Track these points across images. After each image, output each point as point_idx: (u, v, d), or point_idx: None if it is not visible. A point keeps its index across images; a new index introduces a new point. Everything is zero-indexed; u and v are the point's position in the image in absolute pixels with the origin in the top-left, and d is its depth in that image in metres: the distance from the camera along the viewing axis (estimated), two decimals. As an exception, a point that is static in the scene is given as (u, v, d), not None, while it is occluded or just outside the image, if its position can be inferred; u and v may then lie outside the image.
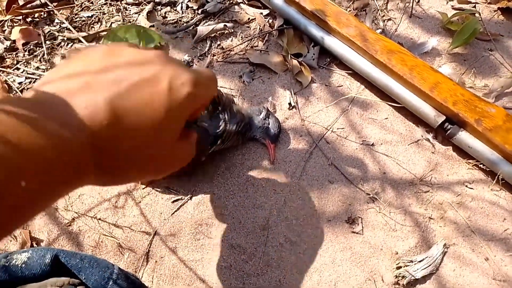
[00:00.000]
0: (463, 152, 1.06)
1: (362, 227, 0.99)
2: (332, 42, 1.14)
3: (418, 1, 1.33)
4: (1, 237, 0.32)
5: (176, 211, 0.97)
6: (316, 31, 1.15)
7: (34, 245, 0.89)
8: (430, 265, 0.91)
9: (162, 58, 0.42)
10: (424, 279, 0.92)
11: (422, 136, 1.11)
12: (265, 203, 0.99)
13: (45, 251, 0.71)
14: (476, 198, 1.02)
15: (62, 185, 0.35)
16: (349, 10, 1.29)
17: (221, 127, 0.91)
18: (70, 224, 0.93)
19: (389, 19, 1.29)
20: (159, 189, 0.99)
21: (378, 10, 1.29)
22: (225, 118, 0.93)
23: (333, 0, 1.29)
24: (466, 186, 1.03)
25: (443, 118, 1.04)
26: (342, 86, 1.17)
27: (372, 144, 1.09)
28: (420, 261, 0.92)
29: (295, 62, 1.17)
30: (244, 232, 0.96)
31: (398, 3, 1.33)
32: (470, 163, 1.05)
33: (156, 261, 0.91)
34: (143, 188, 0.98)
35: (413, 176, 1.06)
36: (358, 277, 0.93)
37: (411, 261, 0.92)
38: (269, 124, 1.03)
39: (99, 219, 0.94)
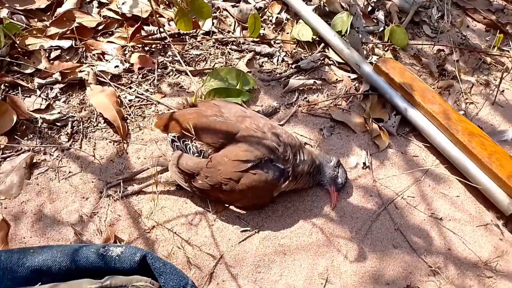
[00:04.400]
0: (534, 246, 1.05)
1: (420, 298, 0.99)
2: (414, 115, 1.20)
3: (503, 91, 1.37)
4: None
5: (243, 240, 1.03)
6: (400, 102, 1.22)
7: (117, 242, 0.99)
8: None
9: None
10: None
11: (491, 221, 1.11)
12: (326, 252, 1.03)
13: (136, 250, 0.80)
14: (544, 296, 0.99)
15: None
16: (434, 88, 1.36)
17: (295, 167, 1.01)
18: (149, 231, 1.02)
19: (471, 103, 1.34)
20: (231, 217, 1.07)
21: (462, 92, 1.35)
22: (297, 159, 1.03)
23: (419, 75, 1.37)
24: (535, 281, 1.01)
25: (518, 207, 1.04)
26: (417, 156, 1.21)
27: (441, 219, 1.11)
28: None
29: (375, 125, 1.24)
30: (303, 275, 1.00)
31: (482, 89, 1.38)
32: (541, 258, 1.03)
33: (218, 283, 0.97)
34: (219, 212, 1.06)
35: (478, 258, 1.05)
36: None
37: None
38: (338, 173, 1.10)
39: (175, 232, 1.02)
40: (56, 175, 1.08)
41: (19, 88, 1.22)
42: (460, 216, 1.11)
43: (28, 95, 1.22)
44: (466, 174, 1.13)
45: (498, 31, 1.53)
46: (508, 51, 1.47)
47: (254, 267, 1.00)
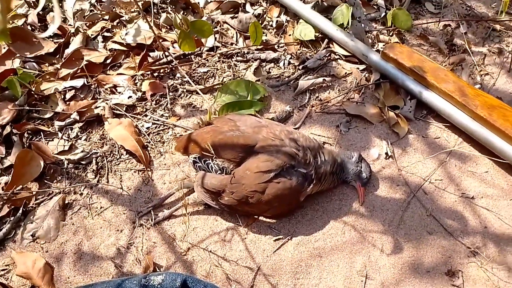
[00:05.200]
0: None
1: (463, 280, 0.98)
2: (430, 96, 1.18)
3: (517, 56, 1.33)
4: None
5: (277, 249, 1.04)
6: (413, 86, 1.21)
7: (156, 269, 1.02)
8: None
9: None
10: None
11: (526, 192, 1.09)
12: (362, 249, 1.03)
13: (176, 276, 0.82)
14: None
15: None
16: (445, 65, 1.34)
17: (317, 169, 1.02)
18: (185, 254, 1.04)
19: (487, 74, 1.31)
20: (262, 228, 1.08)
21: (475, 65, 1.32)
22: (318, 161, 1.03)
23: (428, 55, 1.35)
24: None
25: (552, 174, 1.01)
26: (439, 138, 1.20)
27: (472, 197, 1.09)
28: (530, 323, 0.88)
29: (391, 114, 1.23)
30: (341, 275, 1.00)
31: (495, 58, 1.34)
32: None
33: (259, 295, 0.98)
34: (250, 224, 1.08)
35: (518, 233, 1.03)
36: (460, 333, 0.91)
37: (520, 322, 0.89)
38: (361, 167, 1.10)
39: (210, 251, 1.04)
40: (89, 212, 1.12)
41: (41, 133, 1.27)
42: (491, 192, 1.09)
43: (50, 139, 1.27)
44: (491, 149, 1.11)
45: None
46: (517, 14, 1.43)
47: (292, 274, 1.01)
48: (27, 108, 1.30)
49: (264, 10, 1.53)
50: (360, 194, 1.10)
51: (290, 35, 1.46)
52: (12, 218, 1.09)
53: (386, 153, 1.17)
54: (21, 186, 1.14)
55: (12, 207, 1.11)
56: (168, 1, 1.58)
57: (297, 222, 1.08)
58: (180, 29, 1.19)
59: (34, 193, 1.15)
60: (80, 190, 1.16)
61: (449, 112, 1.16)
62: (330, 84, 1.33)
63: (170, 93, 1.35)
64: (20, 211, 1.10)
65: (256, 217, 1.09)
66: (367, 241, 1.04)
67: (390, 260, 1.01)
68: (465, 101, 1.12)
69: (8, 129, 1.27)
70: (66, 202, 1.14)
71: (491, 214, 1.06)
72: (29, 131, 1.27)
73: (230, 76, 1.38)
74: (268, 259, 1.03)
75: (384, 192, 1.12)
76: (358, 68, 1.35)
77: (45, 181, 1.17)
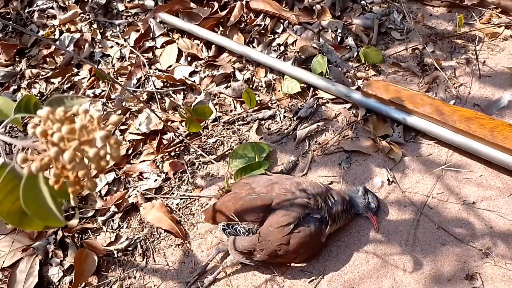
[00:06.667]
0: None
1: (482, 281, 1.09)
2: (413, 120, 1.33)
3: (484, 62, 1.47)
4: None
5: (313, 289, 1.18)
6: (397, 114, 1.36)
7: (214, 331, 1.16)
8: (558, 311, 0.97)
9: None
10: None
11: (520, 186, 1.20)
12: (387, 272, 1.16)
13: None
14: None
15: None
16: (421, 85, 1.49)
17: (329, 211, 1.16)
18: (235, 311, 1.19)
19: (461, 85, 1.45)
20: (296, 272, 1.22)
21: (447, 79, 1.46)
22: (329, 203, 1.18)
23: (404, 80, 1.50)
24: None
25: (535, 168, 1.13)
26: (431, 154, 1.33)
27: (473, 202, 1.21)
28: (547, 308, 0.98)
29: (384, 142, 1.37)
30: (374, 300, 1.13)
31: (465, 68, 1.49)
32: None
33: (307, 334, 1.11)
34: (284, 272, 1.22)
35: (521, 225, 1.14)
36: (489, 330, 1.02)
37: (539, 309, 0.99)
38: (369, 199, 1.23)
39: (256, 304, 1.19)
40: (145, 293, 1.28)
41: (89, 231, 1.46)
42: (489, 193, 1.21)
43: (97, 234, 1.45)
44: (479, 155, 1.24)
45: (457, 10, 1.64)
46: (473, 24, 1.57)
47: (331, 308, 1.14)
48: (72, 211, 1.50)
49: (252, 73, 1.71)
50: (374, 223, 1.23)
51: (279, 91, 1.64)
52: (83, 313, 1.27)
53: (388, 180, 1.31)
54: (84, 283, 1.32)
55: (81, 303, 1.29)
56: (168, 85, 1.79)
57: (325, 261, 1.22)
58: (184, 117, 1.38)
59: (95, 286, 1.32)
60: (133, 274, 1.33)
61: (434, 131, 1.30)
62: (324, 127, 1.49)
63: (189, 168, 1.53)
64: (88, 305, 1.28)
65: (288, 264, 1.23)
66: (390, 264, 1.17)
67: (413, 277, 1.13)
68: (443, 119, 1.26)
69: (60, 234, 1.46)
70: (124, 287, 1.31)
71: (494, 214, 1.18)
72: (78, 232, 1.46)
73: (236, 140, 1.55)
74: (307, 299, 1.17)
75: (394, 215, 1.25)
76: (345, 108, 1.51)
77: (102, 272, 1.35)
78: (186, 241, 1.36)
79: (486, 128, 1.20)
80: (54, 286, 1.36)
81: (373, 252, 1.20)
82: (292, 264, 1.23)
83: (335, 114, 1.52)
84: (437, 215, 1.22)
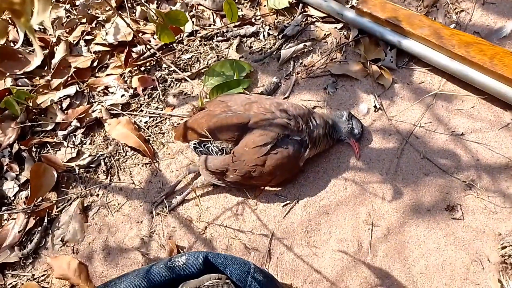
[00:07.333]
0: (559, 130, 1.07)
1: (462, 213, 1.05)
2: (408, 44, 1.22)
3: (490, -13, 1.34)
4: None
5: (287, 214, 1.12)
6: (391, 36, 1.24)
7: (180, 251, 1.10)
8: (536, 242, 0.95)
9: None
10: (532, 256, 0.96)
11: (511, 119, 1.14)
12: (365, 200, 1.10)
13: (198, 254, 0.91)
14: None
15: None
16: (420, 9, 1.36)
17: (310, 134, 1.08)
18: (203, 232, 1.12)
19: (462, 10, 1.33)
20: (270, 197, 1.15)
21: (449, 3, 1.34)
22: (310, 126, 1.09)
23: (402, 2, 1.37)
24: None
25: (532, 99, 1.06)
26: (423, 82, 1.24)
27: (462, 134, 1.14)
28: (525, 240, 0.96)
29: (374, 67, 1.27)
30: (349, 227, 1.08)
31: (469, -7, 1.36)
32: None
33: (277, 258, 1.07)
34: (258, 196, 1.15)
35: (508, 159, 1.09)
36: (464, 259, 1.00)
37: (516, 241, 0.97)
38: (353, 124, 1.15)
39: (225, 226, 1.12)
40: (108, 211, 1.20)
41: (48, 145, 1.34)
42: (479, 125, 1.15)
43: (57, 149, 1.33)
44: (474, 84, 1.15)
45: None
46: None
47: (304, 233, 1.09)
48: (29, 124, 1.36)
49: (236, -15, 1.53)
50: (355, 150, 1.16)
51: (265, 6, 1.48)
52: (39, 228, 1.18)
53: (375, 106, 1.22)
54: (41, 198, 1.22)
55: (37, 218, 1.20)
56: (140, -7, 1.59)
57: (301, 186, 1.15)
58: (155, 23, 1.22)
59: (54, 202, 1.22)
60: (95, 192, 1.23)
61: (429, 56, 1.19)
62: (312, 48, 1.36)
63: (160, 85, 1.39)
64: (45, 220, 1.18)
65: (262, 188, 1.16)
66: (369, 192, 1.11)
67: (392, 206, 1.08)
68: (442, 43, 1.15)
69: (16, 147, 1.33)
70: (85, 205, 1.21)
71: (482, 146, 1.12)
72: (36, 145, 1.34)
73: (214, 57, 1.41)
74: (280, 224, 1.11)
75: (378, 143, 1.17)
76: (336, 28, 1.38)
77: (62, 189, 1.25)
78: (154, 161, 1.26)
79: (487, 54, 1.11)
80: (9, 201, 1.25)
81: (352, 180, 1.13)
82: (266, 188, 1.15)
83: (325, 34, 1.38)
84: (423, 145, 1.15)
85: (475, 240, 1.01)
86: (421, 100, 1.21)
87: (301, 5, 1.43)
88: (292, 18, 1.43)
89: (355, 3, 1.38)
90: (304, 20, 1.41)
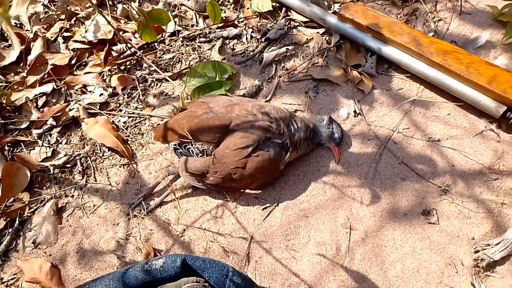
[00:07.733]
0: (529, 138, 1.11)
1: (438, 217, 1.07)
2: (388, 51, 1.24)
3: (467, -2, 1.39)
4: None
5: (266, 217, 1.12)
6: (372, 43, 1.26)
7: (157, 254, 1.08)
8: (507, 247, 0.97)
9: None
10: (503, 260, 0.99)
11: (485, 127, 1.17)
12: (343, 203, 1.11)
13: (176, 257, 0.89)
14: (548, 181, 1.06)
15: None
16: (400, 17, 1.38)
17: (291, 137, 1.08)
18: (182, 235, 1.11)
19: (440, 20, 1.36)
20: (250, 199, 1.15)
21: (427, 12, 1.37)
22: (292, 129, 1.09)
23: (383, 10, 1.39)
24: (537, 170, 1.08)
25: (505, 108, 1.10)
26: (402, 88, 1.26)
27: (438, 140, 1.17)
28: (496, 244, 0.98)
29: (355, 72, 1.28)
30: (328, 230, 1.08)
31: (446, 3, 1.39)
32: (538, 148, 1.10)
33: (256, 261, 1.06)
34: (237, 198, 1.14)
35: (481, 166, 1.12)
36: (438, 263, 1.02)
37: (488, 245, 0.99)
38: (333, 129, 1.16)
39: (204, 229, 1.11)
40: (83, 212, 1.17)
41: (21, 144, 1.29)
42: (455, 132, 1.18)
43: (31, 148, 1.29)
44: (450, 92, 1.18)
45: None
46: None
47: (283, 237, 1.09)
48: (2, 121, 1.31)
49: (219, -13, 1.53)
50: (335, 154, 1.17)
51: (248, 8, 1.48)
52: (10, 230, 1.14)
53: (355, 111, 1.24)
54: (12, 198, 1.18)
55: (8, 219, 1.15)
56: (122, -9, 1.57)
57: (281, 189, 1.15)
58: (137, 21, 1.20)
59: (26, 202, 1.18)
60: (70, 193, 1.20)
61: (408, 63, 1.22)
62: (294, 52, 1.37)
63: (140, 85, 1.37)
64: (17, 221, 1.14)
65: (242, 190, 1.15)
66: (347, 196, 1.12)
67: (370, 210, 1.10)
68: (420, 50, 1.18)
69: (-13, 145, 1.28)
70: (60, 206, 1.18)
71: (457, 153, 1.15)
72: (9, 144, 1.29)
73: (196, 58, 1.40)
74: (259, 227, 1.11)
75: (357, 148, 1.19)
76: (318, 33, 1.39)
77: (35, 189, 1.21)
78: (132, 162, 1.23)
79: (463, 63, 1.14)
80: (-21, 201, 1.20)
81: (331, 183, 1.14)
82: (247, 190, 1.15)
83: (307, 38, 1.39)
84: (401, 150, 1.17)
85: (450, 244, 1.03)
86: (399, 106, 1.23)
87: (284, 9, 1.44)
88: (275, 21, 1.43)
89: (337, 9, 1.40)
90: (287, 24, 1.41)
